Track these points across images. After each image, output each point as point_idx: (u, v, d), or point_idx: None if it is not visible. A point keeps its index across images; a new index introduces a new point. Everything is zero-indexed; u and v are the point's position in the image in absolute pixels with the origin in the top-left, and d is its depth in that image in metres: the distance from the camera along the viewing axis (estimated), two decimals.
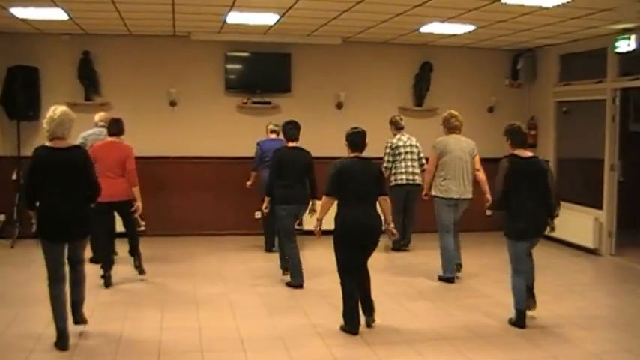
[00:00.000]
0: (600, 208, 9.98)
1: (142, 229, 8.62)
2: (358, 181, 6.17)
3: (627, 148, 10.12)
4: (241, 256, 9.61)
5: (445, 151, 8.11)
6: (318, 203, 6.86)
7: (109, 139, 7.82)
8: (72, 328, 5.82)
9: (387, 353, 5.73)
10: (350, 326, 6.18)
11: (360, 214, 6.13)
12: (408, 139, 9.70)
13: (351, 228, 6.13)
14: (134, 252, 7.99)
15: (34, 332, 5.98)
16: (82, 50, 10.40)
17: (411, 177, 9.54)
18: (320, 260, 8.37)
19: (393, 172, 9.58)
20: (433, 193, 8.22)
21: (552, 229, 6.64)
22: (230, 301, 7.24)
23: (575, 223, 9.87)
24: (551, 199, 6.47)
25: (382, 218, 6.36)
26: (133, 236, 7.96)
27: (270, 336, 6.12)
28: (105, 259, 7.74)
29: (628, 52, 9.12)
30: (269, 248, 9.73)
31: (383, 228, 6.37)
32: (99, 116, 8.95)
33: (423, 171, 9.54)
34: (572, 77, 10.89)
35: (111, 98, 10.50)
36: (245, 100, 11.05)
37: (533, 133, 11.55)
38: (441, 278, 8.26)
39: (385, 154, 9.57)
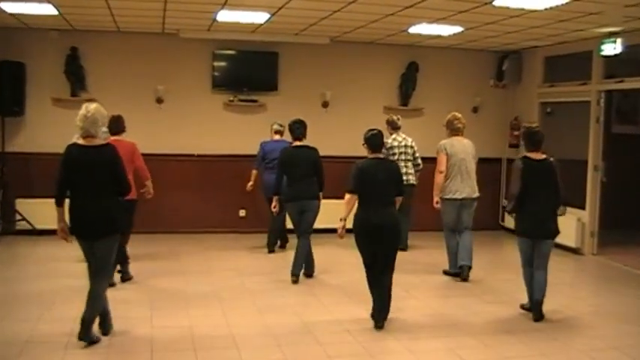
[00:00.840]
0: (583, 208, 10.12)
1: None
2: (378, 182, 6.33)
3: (610, 150, 10.25)
4: (228, 254, 9.62)
5: (451, 153, 8.22)
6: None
7: (112, 137, 7.60)
8: (62, 329, 5.81)
9: (378, 349, 5.80)
10: (375, 320, 6.34)
11: (380, 214, 6.28)
12: (404, 139, 9.73)
13: (369, 227, 6.27)
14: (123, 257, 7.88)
15: (25, 329, 5.95)
16: (70, 46, 10.34)
17: (404, 177, 9.46)
18: (318, 259, 8.41)
19: None
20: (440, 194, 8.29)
21: (561, 214, 6.89)
22: (220, 298, 7.25)
23: (558, 222, 9.95)
24: (560, 198, 6.74)
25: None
26: (125, 238, 7.76)
27: (262, 333, 6.15)
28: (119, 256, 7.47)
29: (614, 55, 9.25)
30: (271, 250, 9.69)
31: None
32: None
33: (417, 171, 9.69)
34: (557, 79, 11.03)
35: (97, 95, 10.38)
36: (232, 98, 11.05)
37: (516, 133, 11.68)
38: (446, 272, 8.51)
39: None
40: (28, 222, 10.12)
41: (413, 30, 9.74)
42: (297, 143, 8.12)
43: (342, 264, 8.73)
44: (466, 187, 8.23)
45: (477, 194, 8.36)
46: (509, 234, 11.42)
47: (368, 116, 10.18)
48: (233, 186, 11.01)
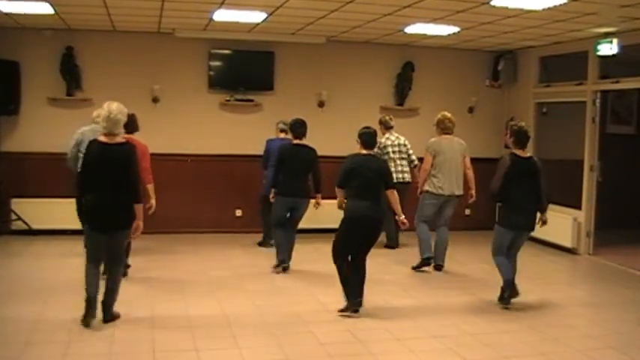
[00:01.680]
0: (579, 208, 10.16)
1: None
2: (366, 176, 6.63)
3: (605, 150, 10.29)
4: (224, 254, 9.60)
5: (439, 151, 8.52)
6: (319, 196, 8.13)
7: (125, 136, 7.68)
8: (62, 325, 5.80)
9: (378, 348, 5.79)
10: (349, 303, 6.65)
11: (365, 207, 6.59)
12: (397, 138, 9.87)
13: (356, 219, 6.60)
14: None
15: (25, 327, 5.94)
16: (65, 45, 10.28)
17: (400, 175, 9.67)
18: (316, 255, 8.44)
19: None
20: (425, 187, 8.64)
21: (544, 222, 7.23)
22: (218, 297, 7.24)
23: (554, 222, 9.86)
24: (543, 197, 7.09)
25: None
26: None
27: (261, 332, 6.18)
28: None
29: (612, 56, 9.28)
30: (263, 241, 9.90)
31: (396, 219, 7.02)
32: (97, 112, 8.81)
33: (414, 167, 9.87)
34: (552, 79, 11.07)
35: (92, 94, 10.39)
36: (228, 98, 11.03)
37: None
38: (420, 264, 8.74)
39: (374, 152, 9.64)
40: (23, 221, 10.08)
41: (409, 30, 9.75)
42: (297, 142, 8.29)
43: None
44: (451, 185, 8.57)
45: (461, 192, 8.67)
46: None
47: (364, 116, 10.13)
48: (229, 186, 11.03)
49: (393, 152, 9.76)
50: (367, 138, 6.81)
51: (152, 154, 10.39)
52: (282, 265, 8.35)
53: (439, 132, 8.67)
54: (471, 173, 8.72)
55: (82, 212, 6.43)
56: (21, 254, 9.22)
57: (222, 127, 11.01)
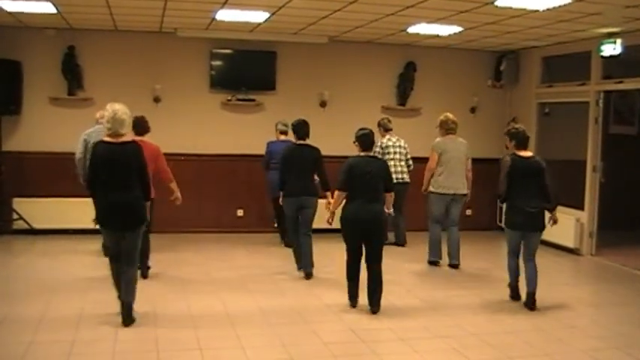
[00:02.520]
0: (582, 208, 10.14)
1: None
2: (366, 178, 6.67)
3: (608, 150, 10.27)
4: (226, 254, 9.59)
5: (444, 150, 8.70)
6: (329, 194, 7.77)
7: (136, 138, 7.61)
8: (67, 323, 5.78)
9: (382, 348, 5.78)
10: (350, 301, 6.90)
11: (363, 208, 6.65)
12: (397, 139, 10.00)
13: (353, 220, 6.66)
14: (144, 256, 7.80)
15: (29, 326, 5.93)
16: (67, 45, 10.28)
17: (400, 175, 9.74)
18: (320, 256, 8.41)
19: None
20: (431, 188, 8.79)
21: (555, 221, 7.31)
22: (221, 298, 7.22)
23: (557, 223, 9.98)
24: (549, 196, 7.08)
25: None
26: (145, 238, 7.81)
27: (265, 332, 6.16)
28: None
29: (615, 56, 9.27)
30: (289, 242, 9.75)
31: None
32: (100, 114, 8.80)
33: (409, 170, 9.96)
34: (554, 79, 11.05)
35: (94, 94, 10.39)
36: (230, 98, 11.02)
37: None
38: (430, 262, 8.98)
39: (375, 152, 9.62)
40: (25, 221, 10.06)
41: (412, 30, 9.74)
42: (300, 142, 8.29)
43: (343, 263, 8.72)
44: (457, 184, 8.76)
45: (466, 191, 8.85)
46: None
47: (366, 116, 10.14)
48: (231, 185, 11.01)
49: (394, 153, 9.85)
50: (364, 139, 6.85)
51: None
52: (306, 271, 8.19)
53: (442, 133, 8.84)
54: (470, 175, 8.89)
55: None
56: (23, 254, 9.22)
57: (224, 127, 11.00)
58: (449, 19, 8.80)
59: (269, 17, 9.05)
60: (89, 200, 6.39)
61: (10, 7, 8.53)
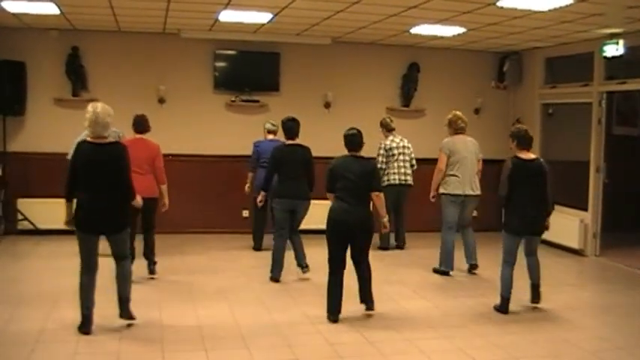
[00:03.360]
0: (585, 209, 10.14)
1: None
2: (349, 179, 6.46)
3: (610, 151, 10.28)
4: (231, 255, 9.60)
5: (453, 151, 8.40)
6: None
7: (137, 136, 7.75)
8: (72, 324, 5.80)
9: (388, 348, 5.79)
10: (330, 314, 6.50)
11: (348, 210, 6.43)
12: (401, 140, 9.87)
13: (338, 222, 6.46)
14: (150, 254, 7.94)
15: (34, 328, 5.94)
16: (71, 46, 10.31)
17: (403, 177, 9.71)
18: (318, 257, 8.37)
19: (386, 172, 9.68)
20: (441, 190, 8.47)
21: (546, 228, 7.07)
22: (226, 298, 7.25)
23: (561, 224, 9.90)
24: (547, 201, 6.91)
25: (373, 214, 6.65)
26: (151, 236, 7.92)
27: (270, 331, 6.18)
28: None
29: (618, 57, 9.27)
30: (258, 247, 9.75)
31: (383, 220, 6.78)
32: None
33: (413, 171, 9.86)
34: (557, 80, 11.06)
35: (98, 94, 10.34)
36: (233, 99, 11.04)
37: None
38: (435, 270, 8.63)
39: (378, 154, 9.66)
40: (30, 222, 10.08)
41: (415, 31, 9.75)
42: (290, 142, 8.06)
43: None
44: (468, 184, 8.42)
45: (478, 192, 8.54)
46: None
47: (370, 117, 10.16)
48: (235, 186, 10.95)
49: (398, 154, 9.74)
50: (350, 139, 6.64)
51: None
52: (302, 266, 8.15)
53: (451, 132, 8.55)
54: (479, 176, 8.60)
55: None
56: (28, 255, 9.24)
57: (228, 128, 11.01)
58: (452, 20, 8.81)
59: (272, 18, 9.06)
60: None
61: (13, 8, 8.54)
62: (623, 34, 9.14)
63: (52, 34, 10.27)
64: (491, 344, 6.00)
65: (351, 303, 6.80)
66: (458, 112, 8.66)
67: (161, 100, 10.73)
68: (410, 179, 9.79)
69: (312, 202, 8.04)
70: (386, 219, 6.77)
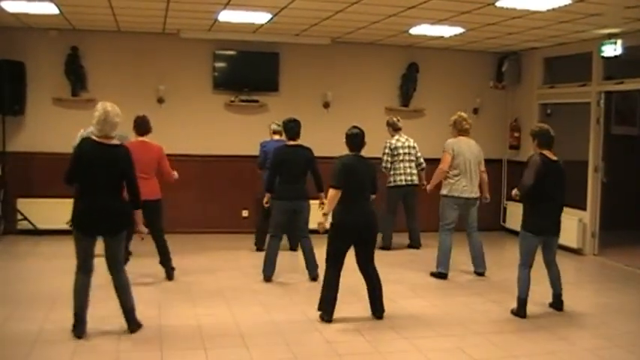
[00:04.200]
0: (584, 208, 10.16)
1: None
2: (357, 179, 6.46)
3: (609, 151, 10.30)
4: (231, 254, 9.61)
5: (458, 153, 8.31)
6: (322, 195, 7.62)
7: (140, 138, 7.66)
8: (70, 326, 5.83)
9: (386, 347, 5.82)
10: (324, 314, 6.47)
11: (359, 210, 6.45)
12: (407, 139, 9.87)
13: (348, 223, 6.41)
14: (167, 260, 7.90)
15: (32, 329, 5.95)
16: (70, 46, 10.33)
17: (409, 177, 9.74)
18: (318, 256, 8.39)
19: (391, 172, 9.70)
20: (443, 192, 8.40)
21: None
22: (225, 297, 7.27)
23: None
24: (564, 201, 6.97)
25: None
26: (163, 242, 7.86)
27: (268, 331, 6.20)
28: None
29: (615, 57, 9.30)
30: (260, 247, 9.76)
31: None
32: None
33: (421, 170, 9.87)
34: (555, 80, 11.08)
35: (98, 94, 10.37)
36: (233, 99, 11.06)
37: (516, 134, 11.80)
38: (433, 274, 8.51)
39: (384, 154, 9.68)
40: (29, 221, 10.10)
41: (414, 31, 9.77)
42: (292, 143, 8.07)
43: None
44: (471, 187, 8.35)
45: (478, 194, 8.48)
46: (511, 234, 11.52)
47: (369, 117, 10.19)
48: (235, 186, 11.05)
49: (404, 154, 9.75)
50: (353, 139, 6.58)
51: None
52: (311, 274, 8.08)
53: (455, 133, 8.45)
54: (485, 176, 8.52)
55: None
56: (28, 255, 9.27)
57: (227, 128, 11.04)
58: (450, 20, 8.83)
59: (271, 18, 9.08)
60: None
61: (13, 8, 8.56)
62: (621, 34, 9.17)
63: (52, 34, 10.29)
64: (490, 343, 6.02)
65: (349, 302, 6.84)
66: (463, 114, 8.59)
67: (160, 100, 10.75)
68: (416, 179, 9.80)
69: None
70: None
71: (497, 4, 7.61)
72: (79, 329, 5.72)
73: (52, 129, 10.28)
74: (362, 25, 9.54)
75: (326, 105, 11.39)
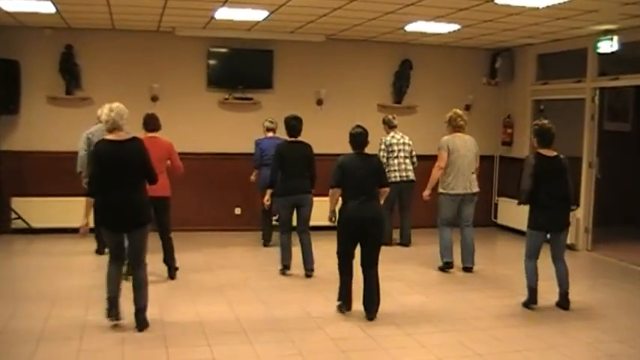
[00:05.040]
0: (577, 204, 10.20)
1: None
2: (358, 176, 6.52)
3: (602, 147, 10.35)
4: (226, 252, 9.63)
5: (453, 149, 8.37)
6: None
7: (149, 134, 7.68)
8: (73, 324, 5.80)
9: (390, 343, 5.85)
10: (342, 304, 6.67)
11: (360, 207, 6.46)
12: (402, 137, 9.93)
13: (351, 220, 6.48)
14: (170, 259, 7.90)
15: (36, 326, 5.94)
16: (64, 44, 10.27)
17: (404, 174, 9.76)
18: (321, 253, 8.40)
19: (386, 169, 9.70)
20: (440, 190, 8.49)
21: (569, 223, 7.10)
22: (225, 294, 7.28)
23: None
24: (570, 195, 6.96)
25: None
26: (168, 241, 7.87)
27: (271, 327, 6.23)
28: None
29: (611, 53, 9.35)
30: (266, 243, 9.85)
31: None
32: (101, 111, 8.78)
33: (414, 167, 9.90)
34: (549, 76, 11.14)
35: (92, 93, 10.39)
36: (227, 96, 11.04)
37: (509, 131, 11.86)
38: (440, 268, 8.63)
39: (380, 150, 9.69)
40: (23, 220, 10.05)
41: (410, 28, 9.78)
42: (293, 139, 8.14)
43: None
44: (466, 183, 8.42)
45: (476, 189, 8.54)
46: (502, 230, 11.64)
47: (362, 114, 10.22)
48: (228, 184, 11.04)
49: (398, 150, 9.80)
50: (357, 139, 6.67)
51: None
52: (286, 270, 8.22)
53: (450, 130, 8.52)
54: (476, 174, 8.58)
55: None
56: (23, 253, 9.24)
57: (221, 126, 11.03)
58: (448, 17, 8.85)
59: (268, 15, 9.06)
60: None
61: (10, 7, 8.51)
62: (617, 30, 9.21)
63: (46, 33, 10.22)
64: (491, 337, 6.06)
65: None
66: (458, 111, 8.67)
67: (154, 98, 10.69)
68: (411, 175, 9.85)
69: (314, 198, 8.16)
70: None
71: (496, 0, 7.62)
72: (112, 312, 5.92)
73: (47, 127, 10.24)
74: (358, 22, 9.54)
75: (319, 102, 11.40)
